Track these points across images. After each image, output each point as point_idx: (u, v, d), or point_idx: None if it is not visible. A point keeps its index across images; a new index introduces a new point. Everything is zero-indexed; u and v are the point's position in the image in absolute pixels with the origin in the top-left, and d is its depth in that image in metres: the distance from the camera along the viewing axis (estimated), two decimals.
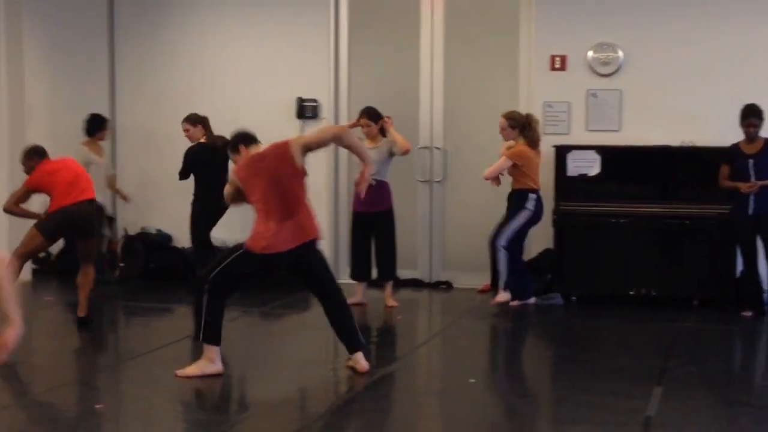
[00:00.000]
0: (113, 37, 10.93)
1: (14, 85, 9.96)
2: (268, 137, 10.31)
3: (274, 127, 10.29)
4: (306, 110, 10.34)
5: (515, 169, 9.00)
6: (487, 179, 9.10)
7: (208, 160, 9.17)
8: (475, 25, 10.29)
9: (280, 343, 7.95)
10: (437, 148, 10.30)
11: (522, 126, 9.04)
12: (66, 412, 5.89)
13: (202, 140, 9.35)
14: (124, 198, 10.50)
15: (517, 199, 9.04)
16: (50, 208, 8.02)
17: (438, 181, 10.33)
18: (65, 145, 10.06)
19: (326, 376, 6.79)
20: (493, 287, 9.45)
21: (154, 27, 10.80)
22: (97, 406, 5.92)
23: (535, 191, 9.03)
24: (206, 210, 9.18)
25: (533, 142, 9.07)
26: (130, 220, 10.77)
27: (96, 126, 10.11)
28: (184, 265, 10.09)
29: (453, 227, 10.33)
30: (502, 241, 8.98)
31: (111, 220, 10.78)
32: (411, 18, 10.32)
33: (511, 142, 9.11)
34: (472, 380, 6.54)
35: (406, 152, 8.95)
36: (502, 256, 9.00)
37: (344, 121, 10.32)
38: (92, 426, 5.54)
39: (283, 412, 5.72)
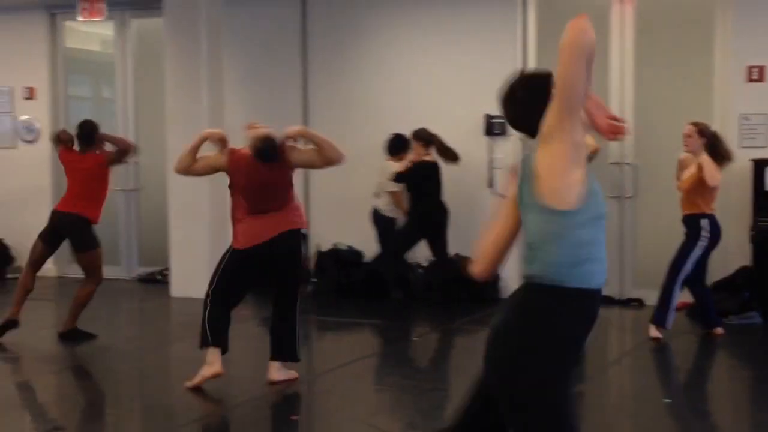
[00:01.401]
0: (306, 59, 11.24)
1: (215, 107, 10.38)
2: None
3: (462, 144, 10.39)
4: (494, 127, 10.35)
5: (696, 188, 8.17)
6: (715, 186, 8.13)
7: (429, 176, 9.58)
8: (667, 36, 10.07)
9: (467, 359, 7.96)
10: (627, 163, 10.11)
11: (711, 139, 8.23)
12: (263, 421, 6.09)
13: (426, 157, 9.65)
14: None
15: (690, 227, 8.31)
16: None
17: (629, 197, 10.14)
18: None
19: None
20: (692, 308, 9.06)
21: (345, 48, 11.04)
22: (292, 417, 6.11)
23: (708, 215, 8.21)
24: (421, 227, 9.54)
25: (721, 158, 8.13)
26: (322, 237, 11.03)
27: (400, 146, 10.09)
28: (372, 279, 10.26)
29: (644, 244, 10.11)
30: (682, 275, 8.30)
31: (304, 237, 11.07)
32: (600, 30, 10.10)
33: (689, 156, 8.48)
34: (667, 400, 6.39)
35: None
36: (676, 292, 8.35)
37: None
38: None
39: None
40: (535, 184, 3.16)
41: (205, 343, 6.52)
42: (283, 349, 6.69)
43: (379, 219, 10.11)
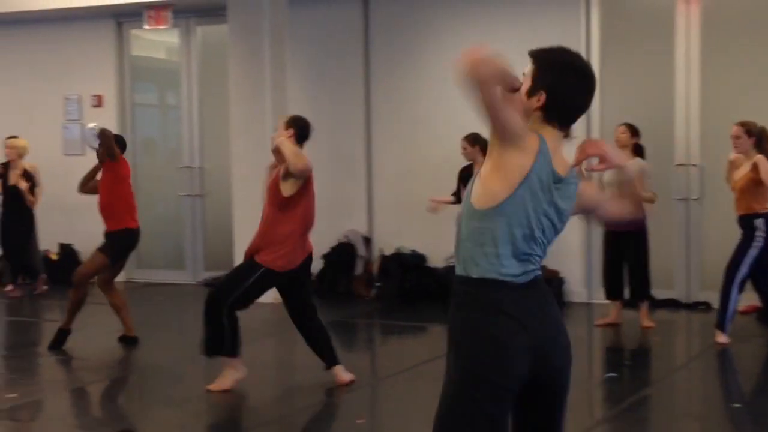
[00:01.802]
0: (368, 62, 11.28)
1: (278, 112, 10.44)
2: None
3: None
4: None
5: (749, 188, 7.97)
6: None
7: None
8: (734, 36, 9.93)
9: None
10: (694, 165, 10.00)
11: (759, 137, 8.04)
12: (330, 424, 6.13)
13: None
14: None
15: (745, 228, 8.10)
16: (118, 223, 8.29)
17: (695, 199, 10.03)
18: (324, 168, 10.46)
19: (582, 396, 6.73)
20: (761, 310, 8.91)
21: (407, 50, 11.05)
22: (358, 421, 6.14)
23: (762, 215, 8.00)
24: None
25: None
26: (385, 241, 11.07)
27: None
28: (437, 284, 10.26)
29: (711, 246, 9.97)
30: (738, 277, 8.09)
31: (367, 241, 11.13)
32: (665, 31, 10.08)
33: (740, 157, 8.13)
34: (737, 405, 6.30)
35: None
36: (734, 295, 8.12)
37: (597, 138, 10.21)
38: None
39: None
40: None
41: (230, 353, 6.56)
42: (332, 353, 6.79)
43: None
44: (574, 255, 10.18)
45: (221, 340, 6.50)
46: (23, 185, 10.94)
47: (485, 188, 3.06)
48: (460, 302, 3.11)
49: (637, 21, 10.40)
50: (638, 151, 8.82)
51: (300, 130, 6.78)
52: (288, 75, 10.68)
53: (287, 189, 6.50)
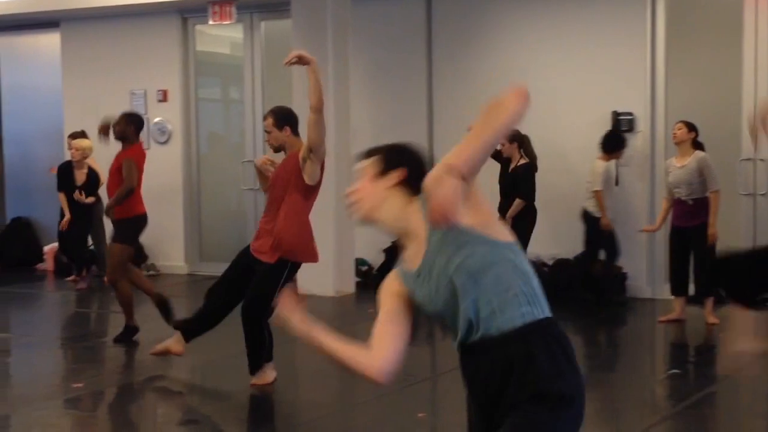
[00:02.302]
0: (431, 58, 11.26)
1: (341, 107, 10.50)
2: (581, 152, 10.39)
3: (588, 141, 10.27)
4: (622, 124, 10.19)
5: None
6: None
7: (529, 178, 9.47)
8: None
9: (591, 357, 7.87)
10: (761, 160, 9.83)
11: None
12: (391, 417, 6.15)
13: (523, 161, 9.53)
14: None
15: None
16: (132, 209, 8.04)
17: (762, 194, 9.86)
18: None
19: (644, 394, 6.67)
20: None
21: (470, 47, 11.02)
22: (419, 415, 6.15)
23: None
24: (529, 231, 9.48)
25: None
26: None
27: (614, 144, 9.72)
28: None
29: None
30: None
31: None
32: (732, 24, 9.92)
33: None
34: None
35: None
36: None
37: (660, 134, 10.10)
38: None
39: (599, 429, 5.67)
40: None
41: (268, 360, 6.60)
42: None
43: (587, 219, 9.71)
44: (637, 250, 10.08)
45: (264, 351, 6.57)
46: (88, 200, 10.97)
47: None
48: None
49: (704, 14, 10.26)
50: (697, 147, 8.73)
51: (290, 123, 6.64)
52: (350, 70, 10.71)
53: (310, 176, 6.46)
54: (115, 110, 12.64)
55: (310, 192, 6.55)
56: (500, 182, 9.72)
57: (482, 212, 2.87)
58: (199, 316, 6.80)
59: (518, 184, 9.56)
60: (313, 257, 6.60)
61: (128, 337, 8.16)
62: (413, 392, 6.70)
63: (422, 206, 2.86)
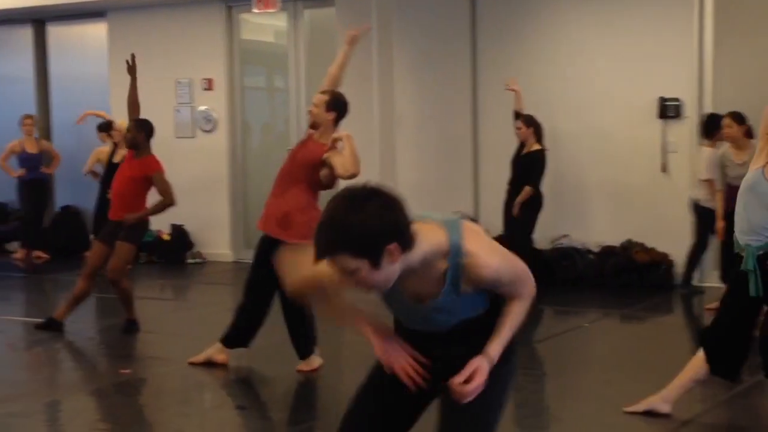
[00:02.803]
0: (475, 47, 11.21)
1: (385, 96, 10.51)
2: (627, 138, 10.33)
3: (634, 127, 10.20)
4: (668, 110, 10.10)
5: None
6: None
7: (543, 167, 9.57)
8: None
9: (642, 347, 7.83)
10: None
11: None
12: (433, 405, 6.16)
13: (536, 147, 9.57)
14: None
15: None
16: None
17: None
18: (431, 151, 10.50)
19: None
20: None
21: (515, 35, 10.97)
22: None
23: None
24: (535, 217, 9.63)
25: None
26: (491, 223, 10.99)
27: (714, 127, 9.25)
28: (543, 266, 10.18)
29: None
30: None
31: (474, 222, 11.11)
32: None
33: None
34: None
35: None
36: None
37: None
38: None
39: (650, 419, 5.65)
40: None
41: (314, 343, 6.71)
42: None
43: (697, 210, 9.33)
44: (683, 237, 9.99)
45: (310, 336, 6.63)
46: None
47: None
48: None
49: (752, 6, 10.12)
50: (750, 136, 8.61)
51: (340, 113, 6.58)
52: (395, 58, 10.71)
53: (326, 177, 6.46)
54: (161, 99, 12.82)
55: (320, 188, 6.57)
56: (513, 163, 9.79)
57: None
58: (239, 322, 6.81)
59: (530, 170, 9.59)
60: None
61: (131, 330, 8.18)
62: None
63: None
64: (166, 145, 12.62)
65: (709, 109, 9.99)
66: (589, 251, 10.31)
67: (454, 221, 2.99)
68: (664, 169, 10.13)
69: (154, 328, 8.43)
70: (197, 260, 12.43)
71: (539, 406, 6.10)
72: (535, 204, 9.66)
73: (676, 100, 10.09)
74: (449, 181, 11.21)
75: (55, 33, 14.07)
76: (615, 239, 10.23)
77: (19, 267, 12.27)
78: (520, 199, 9.57)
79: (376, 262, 2.72)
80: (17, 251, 12.85)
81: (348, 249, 2.69)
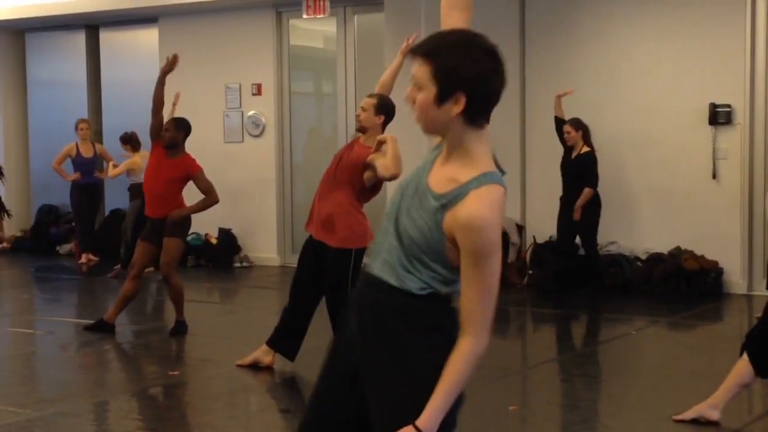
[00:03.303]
0: (524, 53, 11.15)
1: None
2: (676, 144, 10.24)
3: (684, 133, 10.12)
4: (719, 116, 10.00)
5: None
6: None
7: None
8: None
9: (690, 355, 7.75)
10: None
11: None
12: (483, 410, 6.15)
13: (586, 149, 9.64)
14: None
15: None
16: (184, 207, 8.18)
17: None
18: None
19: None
20: None
21: (564, 38, 10.91)
22: (510, 408, 6.15)
23: None
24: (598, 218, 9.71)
25: None
26: (538, 229, 10.98)
27: None
28: (590, 272, 10.12)
29: None
30: None
31: (520, 229, 11.08)
32: None
33: None
34: None
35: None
36: None
37: (759, 127, 9.89)
38: (507, 425, 5.78)
39: (698, 426, 5.60)
40: None
41: None
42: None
43: None
44: (733, 245, 9.90)
45: None
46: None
47: None
48: None
49: None
50: None
51: (388, 116, 6.59)
52: None
53: (369, 180, 6.46)
54: (211, 104, 12.94)
55: (365, 193, 6.57)
56: (562, 168, 9.85)
57: None
58: (284, 324, 6.85)
59: (583, 172, 9.65)
60: (364, 241, 6.50)
61: (180, 332, 8.24)
62: (504, 385, 6.69)
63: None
64: (215, 149, 12.77)
65: (761, 114, 9.89)
66: (637, 258, 10.23)
67: (500, 177, 2.74)
68: (714, 176, 10.03)
69: (202, 330, 8.50)
70: (244, 264, 12.51)
71: (586, 413, 6.06)
72: (595, 206, 9.73)
73: (728, 106, 9.98)
74: None
75: (108, 38, 14.24)
76: (663, 246, 10.14)
77: (80, 270, 12.37)
78: (581, 202, 9.63)
79: (442, 96, 2.64)
80: (81, 256, 12.82)
81: (434, 61, 2.65)
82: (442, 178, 2.73)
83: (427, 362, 2.71)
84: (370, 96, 6.68)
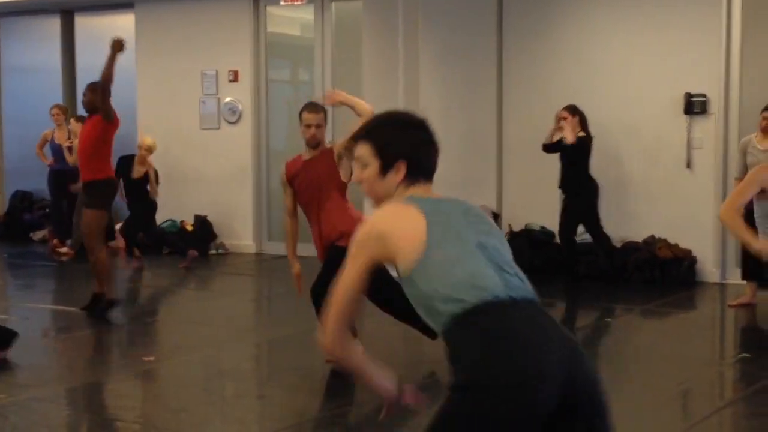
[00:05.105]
0: (501, 40, 11.17)
1: (410, 88, 10.51)
2: (652, 133, 10.30)
3: (660, 123, 10.18)
4: (694, 106, 10.06)
5: None
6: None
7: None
8: None
9: (663, 342, 7.81)
10: None
11: None
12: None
13: (582, 133, 9.64)
14: None
15: None
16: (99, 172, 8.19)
17: None
18: (455, 145, 10.51)
19: (712, 378, 6.61)
20: None
21: (541, 29, 10.93)
22: None
23: None
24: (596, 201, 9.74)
25: None
26: (514, 218, 11.03)
27: None
28: (566, 261, 10.17)
29: None
30: None
31: (496, 217, 11.11)
32: None
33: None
34: None
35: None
36: None
37: (734, 117, 9.96)
38: None
39: (666, 412, 5.66)
40: None
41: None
42: None
43: None
44: (707, 234, 9.98)
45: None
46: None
47: None
48: None
49: None
50: None
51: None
52: (420, 52, 10.71)
53: (347, 173, 6.48)
54: (187, 90, 12.90)
55: (345, 189, 6.58)
56: (561, 157, 9.85)
57: None
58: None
59: (579, 154, 9.65)
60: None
61: (99, 304, 8.26)
62: None
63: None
64: (191, 135, 12.74)
65: (735, 104, 9.96)
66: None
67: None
68: (689, 165, 10.10)
69: (177, 317, 8.50)
70: (220, 251, 12.49)
71: None
72: (592, 190, 9.73)
73: (703, 96, 10.04)
74: (473, 175, 11.20)
75: (83, 24, 14.16)
76: (638, 235, 10.21)
77: (55, 257, 12.25)
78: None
79: (384, 168, 2.96)
80: (56, 242, 12.73)
81: (373, 141, 2.98)
82: None
83: None
84: (317, 110, 6.73)
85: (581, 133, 9.73)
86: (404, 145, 2.98)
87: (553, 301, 9.48)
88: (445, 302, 2.73)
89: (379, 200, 3.02)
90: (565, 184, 9.88)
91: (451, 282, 2.73)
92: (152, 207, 11.68)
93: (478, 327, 2.67)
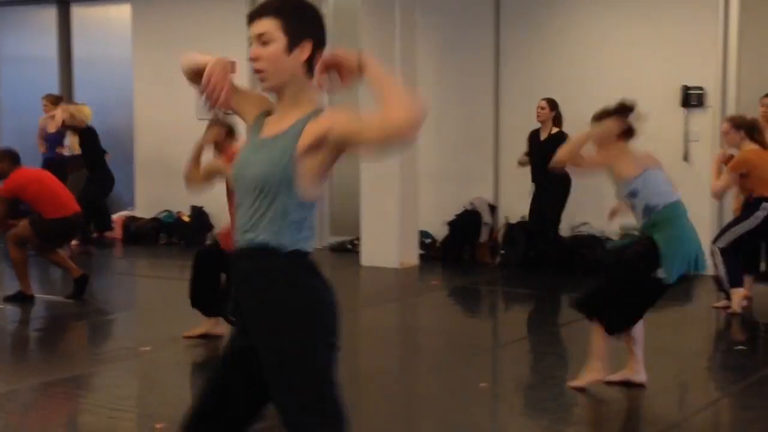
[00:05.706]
0: (498, 30, 11.17)
1: (407, 79, 10.45)
2: (649, 126, 10.25)
3: (657, 116, 10.15)
4: (691, 99, 10.06)
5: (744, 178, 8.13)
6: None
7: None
8: None
9: (659, 334, 7.82)
10: None
11: (749, 129, 8.13)
12: (454, 386, 6.20)
13: (556, 130, 9.85)
14: None
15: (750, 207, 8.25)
16: (46, 214, 8.53)
17: None
18: (452, 136, 10.50)
19: (707, 370, 6.63)
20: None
21: (539, 19, 10.92)
22: (481, 385, 6.19)
23: None
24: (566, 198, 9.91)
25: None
26: (511, 209, 11.03)
27: None
28: (562, 252, 10.18)
29: None
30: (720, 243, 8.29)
31: (493, 209, 11.12)
32: None
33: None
34: None
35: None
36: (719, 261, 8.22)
37: (731, 110, 9.96)
38: (478, 402, 5.83)
39: (662, 404, 5.67)
40: None
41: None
42: None
43: None
44: (703, 226, 9.94)
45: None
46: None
47: None
48: None
49: None
50: None
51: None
52: (418, 45, 10.70)
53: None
54: (184, 81, 12.80)
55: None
56: (531, 152, 9.93)
57: None
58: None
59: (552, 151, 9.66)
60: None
61: (19, 298, 8.52)
62: (476, 362, 6.73)
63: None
64: (188, 126, 12.70)
65: (732, 97, 9.96)
66: (608, 239, 10.29)
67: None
68: (686, 157, 10.10)
69: (174, 307, 8.47)
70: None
71: (556, 390, 6.10)
72: (565, 185, 9.78)
73: (700, 88, 10.04)
74: (470, 167, 11.22)
75: (80, 14, 14.14)
76: (635, 227, 10.20)
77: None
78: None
79: (291, 45, 2.96)
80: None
81: (281, 16, 2.96)
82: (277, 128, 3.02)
83: None
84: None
85: (556, 129, 9.87)
86: (314, 24, 3.02)
87: (548, 292, 9.50)
88: None
89: (274, 80, 3.00)
90: (537, 178, 10.01)
91: None
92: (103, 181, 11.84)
93: None
